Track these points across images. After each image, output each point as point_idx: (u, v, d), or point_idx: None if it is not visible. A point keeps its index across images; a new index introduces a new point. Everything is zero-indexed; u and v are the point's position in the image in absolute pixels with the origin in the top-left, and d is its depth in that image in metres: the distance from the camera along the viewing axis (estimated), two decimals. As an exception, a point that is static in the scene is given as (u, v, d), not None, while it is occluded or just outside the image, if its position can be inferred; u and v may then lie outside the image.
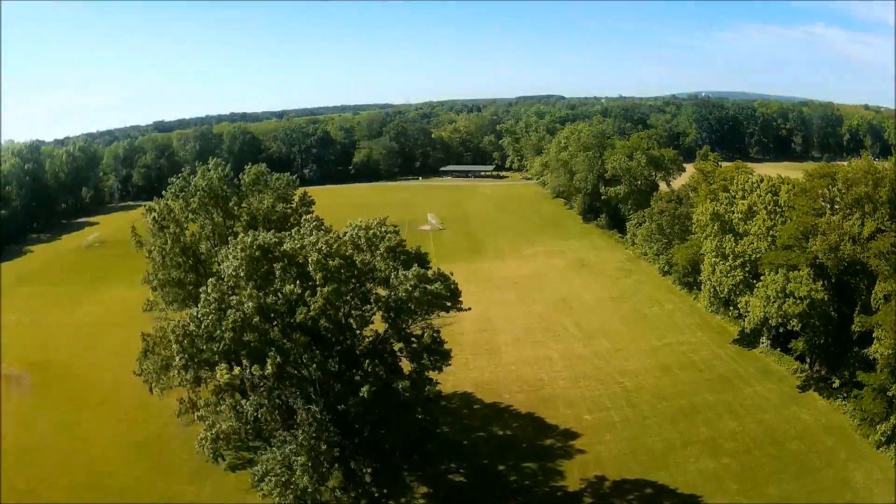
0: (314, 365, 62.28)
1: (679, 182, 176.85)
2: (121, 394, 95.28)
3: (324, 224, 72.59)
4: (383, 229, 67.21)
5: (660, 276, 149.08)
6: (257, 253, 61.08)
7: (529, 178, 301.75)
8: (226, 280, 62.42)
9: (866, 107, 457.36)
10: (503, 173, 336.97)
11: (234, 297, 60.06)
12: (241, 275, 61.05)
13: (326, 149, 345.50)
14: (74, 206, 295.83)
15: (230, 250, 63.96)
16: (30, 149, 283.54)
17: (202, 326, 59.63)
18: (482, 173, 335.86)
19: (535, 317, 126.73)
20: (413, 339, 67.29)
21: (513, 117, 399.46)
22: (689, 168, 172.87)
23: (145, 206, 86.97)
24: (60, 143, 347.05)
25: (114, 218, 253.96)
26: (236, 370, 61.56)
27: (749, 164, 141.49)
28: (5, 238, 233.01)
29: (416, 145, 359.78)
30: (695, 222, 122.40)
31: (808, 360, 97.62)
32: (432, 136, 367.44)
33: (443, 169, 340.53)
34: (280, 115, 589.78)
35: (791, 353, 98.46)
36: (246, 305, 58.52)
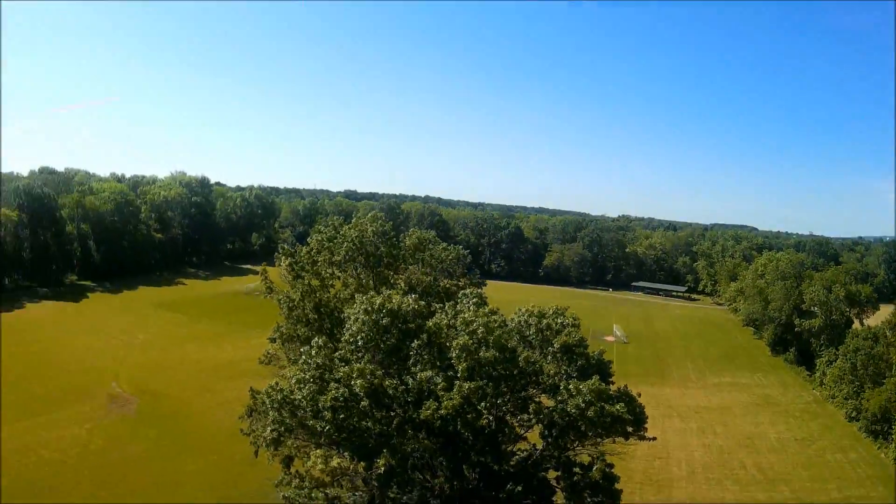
0: (441, 476, 48.45)
1: (871, 321, 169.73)
2: (223, 441, 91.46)
3: (487, 303, 57.84)
4: (560, 320, 51.87)
5: (846, 421, 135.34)
6: (385, 320, 48.32)
7: (720, 304, 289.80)
8: (342, 345, 50.67)
9: None
10: (694, 296, 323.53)
11: (343, 367, 47.23)
12: (360, 342, 48.55)
13: (517, 246, 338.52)
14: (242, 250, 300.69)
15: (353, 309, 51.42)
16: (200, 183, 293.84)
17: (303, 395, 47.17)
18: (673, 293, 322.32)
19: (715, 451, 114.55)
20: (577, 469, 51.00)
21: (709, 240, 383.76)
22: (883, 309, 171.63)
23: (282, 248, 76.48)
24: (239, 188, 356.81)
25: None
26: (334, 461, 49.17)
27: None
28: (159, 263, 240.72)
29: (609, 256, 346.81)
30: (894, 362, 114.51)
31: None
32: (626, 249, 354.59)
33: (634, 284, 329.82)
34: (475, 206, 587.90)
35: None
36: (354, 383, 45.36)
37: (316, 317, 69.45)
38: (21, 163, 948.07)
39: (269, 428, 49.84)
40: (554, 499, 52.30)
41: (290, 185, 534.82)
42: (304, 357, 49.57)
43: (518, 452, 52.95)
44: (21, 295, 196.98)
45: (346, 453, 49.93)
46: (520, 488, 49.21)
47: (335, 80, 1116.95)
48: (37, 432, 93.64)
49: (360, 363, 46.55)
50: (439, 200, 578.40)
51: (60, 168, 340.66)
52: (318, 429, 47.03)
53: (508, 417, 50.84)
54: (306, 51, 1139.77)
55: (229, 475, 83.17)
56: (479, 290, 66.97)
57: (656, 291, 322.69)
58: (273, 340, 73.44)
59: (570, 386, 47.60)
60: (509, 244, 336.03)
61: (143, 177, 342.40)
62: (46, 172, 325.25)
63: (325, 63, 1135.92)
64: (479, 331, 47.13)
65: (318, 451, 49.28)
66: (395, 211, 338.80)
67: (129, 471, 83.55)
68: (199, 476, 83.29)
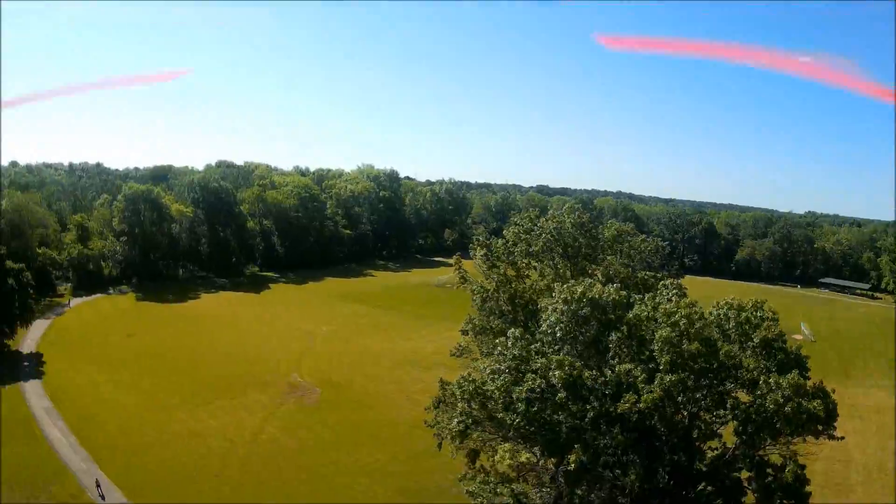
0: (633, 474, 45.41)
1: None
2: (404, 432, 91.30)
3: (686, 294, 55.56)
4: (759, 314, 49.14)
5: None
6: (586, 309, 46.46)
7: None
8: (538, 336, 48.46)
9: None
10: (877, 294, 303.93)
11: (540, 359, 45.66)
12: (558, 334, 46.86)
13: (710, 242, 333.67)
14: (434, 246, 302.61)
15: (551, 300, 49.78)
16: (388, 177, 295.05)
17: (495, 386, 45.94)
18: (857, 290, 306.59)
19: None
20: (769, 469, 47.64)
21: (892, 236, 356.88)
22: None
23: (476, 238, 74.87)
24: (429, 182, 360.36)
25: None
26: (523, 456, 46.71)
27: None
28: (348, 258, 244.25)
29: (798, 252, 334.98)
30: None
31: None
32: (815, 245, 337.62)
33: (821, 280, 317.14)
34: (666, 201, 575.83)
35: None
36: (552, 374, 43.87)
37: (510, 308, 67.57)
38: (197, 157, 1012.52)
39: (455, 420, 48.98)
40: (743, 500, 49.11)
41: (480, 180, 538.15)
42: (499, 348, 48.55)
43: (709, 450, 50.37)
44: (198, 285, 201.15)
45: (535, 448, 48.38)
46: (711, 488, 47.01)
47: (529, 76, 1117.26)
48: (207, 420, 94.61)
49: (559, 354, 44.95)
50: (630, 196, 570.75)
51: (239, 162, 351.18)
52: (508, 421, 45.96)
53: (702, 413, 48.45)
54: (500, 49, 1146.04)
55: (408, 467, 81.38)
56: (678, 281, 63.21)
57: (841, 288, 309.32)
58: (465, 332, 71.45)
59: (771, 380, 44.76)
60: (702, 239, 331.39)
61: (329, 170, 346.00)
62: (224, 166, 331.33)
63: (518, 61, 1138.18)
64: (681, 322, 45.30)
65: (505, 445, 46.98)
66: (587, 206, 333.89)
67: (302, 459, 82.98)
68: (376, 467, 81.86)
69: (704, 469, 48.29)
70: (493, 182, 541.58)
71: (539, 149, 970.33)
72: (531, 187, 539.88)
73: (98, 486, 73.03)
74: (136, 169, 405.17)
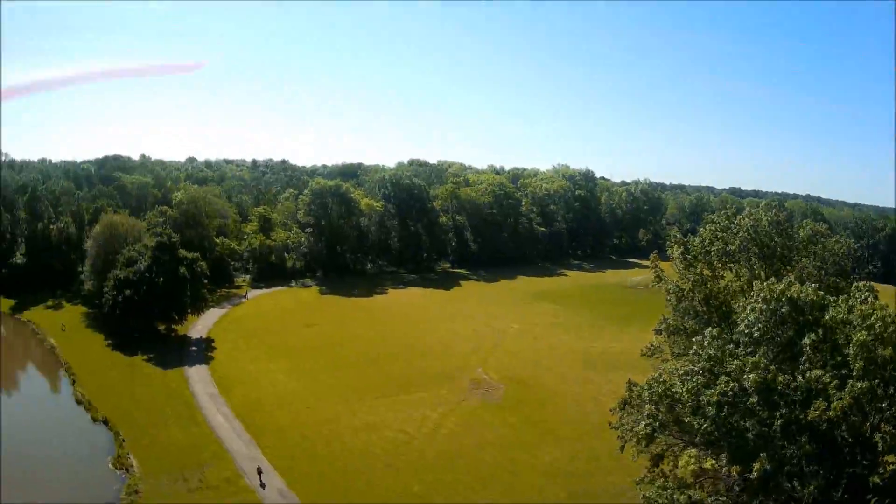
0: (812, 485, 42.73)
1: None
2: (586, 433, 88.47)
3: (878, 297, 51.67)
4: None
5: None
6: (785, 309, 44.37)
7: None
8: (734, 336, 46.41)
9: None
10: None
11: (735, 361, 43.79)
12: (755, 334, 44.86)
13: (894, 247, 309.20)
14: (628, 245, 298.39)
15: (750, 299, 47.77)
16: (583, 176, 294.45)
17: (685, 388, 44.25)
18: None
19: None
20: None
21: None
22: None
23: (674, 235, 73.37)
24: (624, 183, 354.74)
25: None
26: (707, 462, 44.53)
27: None
28: (541, 255, 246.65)
29: None
30: None
31: None
32: None
33: None
34: (852, 205, 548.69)
35: None
36: (746, 377, 42.03)
37: (704, 309, 66.15)
38: (386, 157, 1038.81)
39: (643, 422, 48.23)
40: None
41: (675, 182, 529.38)
42: (695, 347, 47.60)
43: (889, 464, 46.48)
44: (385, 280, 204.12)
45: (720, 455, 46.48)
46: (888, 502, 43.53)
47: (729, 76, 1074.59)
48: (385, 412, 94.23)
49: (754, 356, 43.40)
50: (819, 199, 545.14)
51: (432, 160, 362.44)
52: (696, 426, 45.05)
53: (882, 424, 44.71)
54: (703, 50, 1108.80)
55: (586, 468, 78.86)
56: (870, 283, 58.98)
57: None
58: (659, 332, 70.47)
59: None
60: (886, 246, 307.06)
61: (524, 169, 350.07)
62: (416, 164, 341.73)
63: (720, 62, 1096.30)
64: (876, 325, 42.47)
65: (691, 450, 44.94)
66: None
67: (478, 455, 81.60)
68: (553, 466, 79.28)
69: (881, 483, 44.89)
70: (686, 184, 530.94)
71: (732, 150, 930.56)
72: (723, 189, 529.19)
73: (260, 472, 73.62)
74: (324, 166, 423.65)
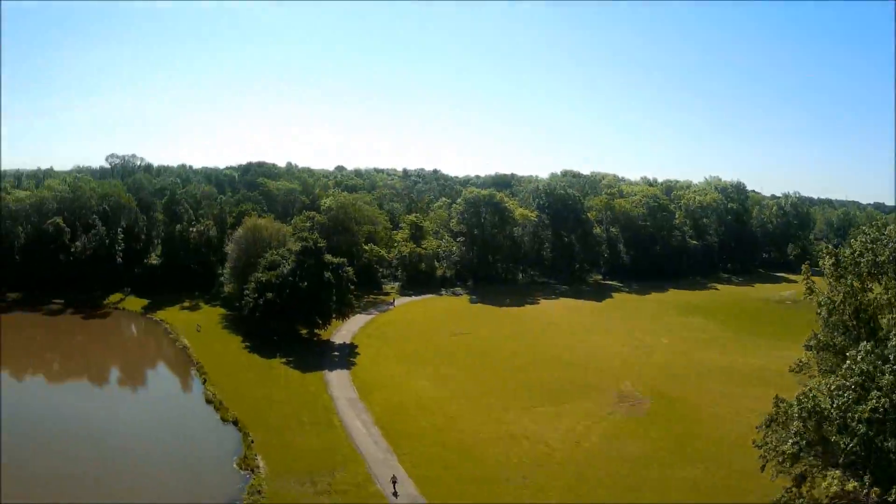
0: None
1: None
2: (726, 449, 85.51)
3: None
4: None
5: None
6: None
7: None
8: (886, 352, 44.53)
9: None
10: None
11: (888, 376, 41.89)
12: None
13: None
14: (777, 260, 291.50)
15: None
16: (735, 189, 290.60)
17: (835, 405, 42.58)
18: None
19: None
20: None
21: None
22: None
23: (824, 247, 71.35)
24: (774, 196, 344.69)
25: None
26: (850, 485, 42.79)
27: None
28: (692, 268, 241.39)
29: None
30: None
31: None
32: None
33: None
34: None
35: None
36: None
37: (854, 323, 62.97)
38: (538, 167, 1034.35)
39: (790, 440, 46.68)
40: None
41: (823, 196, 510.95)
42: (848, 361, 45.93)
43: None
44: (537, 291, 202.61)
45: (863, 477, 43.84)
46: None
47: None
48: (529, 423, 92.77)
49: None
50: None
51: (586, 172, 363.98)
52: (841, 446, 43.53)
53: None
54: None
55: (722, 487, 76.00)
56: None
57: None
58: (809, 347, 67.73)
59: None
60: None
61: (677, 181, 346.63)
62: (570, 175, 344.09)
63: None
64: None
65: (835, 471, 43.08)
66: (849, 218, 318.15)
67: (617, 469, 79.56)
68: (688, 483, 76.77)
69: None
70: (834, 198, 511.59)
71: (874, 162, 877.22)
72: (868, 204, 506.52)
73: (394, 482, 72.55)
74: (477, 176, 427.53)
